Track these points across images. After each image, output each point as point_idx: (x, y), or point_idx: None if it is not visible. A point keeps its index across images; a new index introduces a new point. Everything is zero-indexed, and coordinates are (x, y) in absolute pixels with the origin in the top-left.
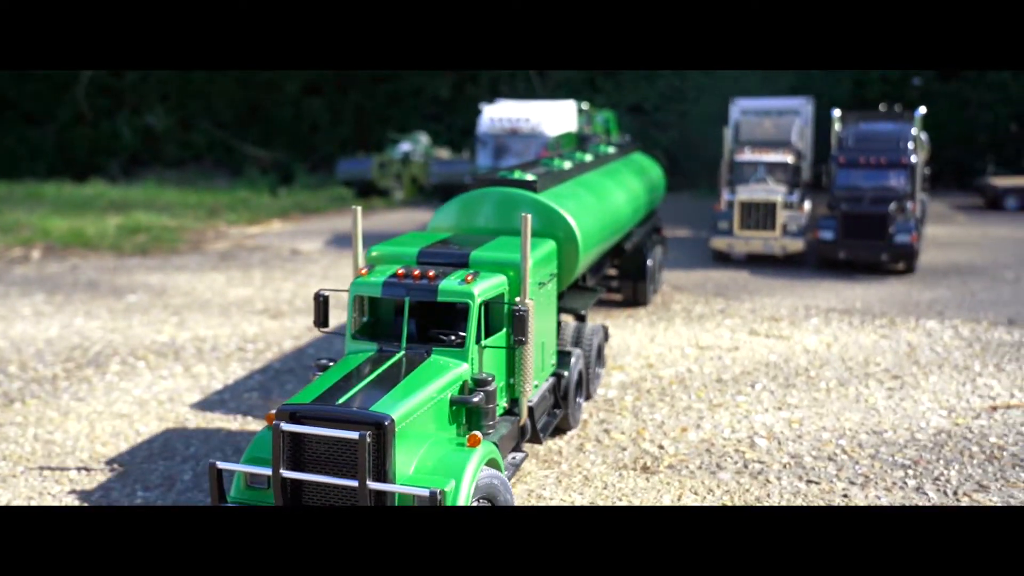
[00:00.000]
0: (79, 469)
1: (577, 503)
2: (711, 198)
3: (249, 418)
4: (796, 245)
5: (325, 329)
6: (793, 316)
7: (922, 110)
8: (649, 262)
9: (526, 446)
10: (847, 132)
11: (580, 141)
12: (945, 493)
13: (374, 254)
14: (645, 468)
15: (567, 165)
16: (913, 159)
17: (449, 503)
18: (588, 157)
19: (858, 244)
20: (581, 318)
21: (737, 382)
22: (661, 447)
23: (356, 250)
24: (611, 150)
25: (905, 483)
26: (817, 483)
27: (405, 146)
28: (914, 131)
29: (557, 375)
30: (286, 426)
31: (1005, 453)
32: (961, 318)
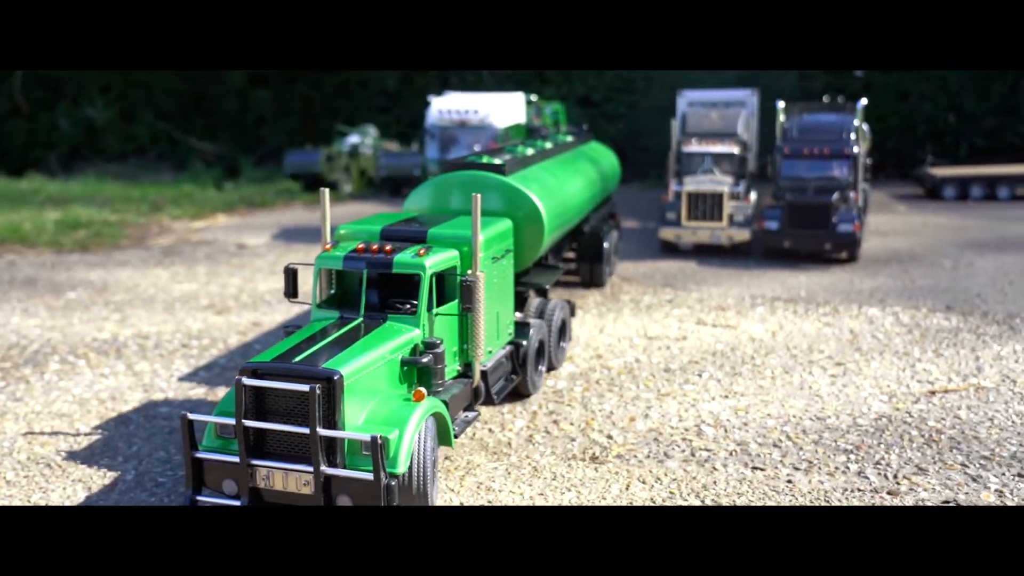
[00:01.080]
0: (16, 471)
1: (527, 495)
2: (659, 189)
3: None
4: (742, 235)
5: (294, 299)
6: (739, 305)
7: (863, 102)
8: (605, 245)
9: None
10: (791, 123)
11: (529, 133)
12: (886, 477)
13: (341, 232)
14: (594, 458)
15: (530, 152)
16: (855, 150)
17: (391, 451)
18: (548, 145)
19: (802, 234)
20: (543, 293)
21: (685, 371)
22: (610, 437)
23: (325, 228)
24: (569, 138)
25: (847, 467)
26: (763, 469)
27: (353, 138)
28: (856, 122)
29: (516, 344)
30: (247, 380)
31: (943, 436)
32: (901, 305)
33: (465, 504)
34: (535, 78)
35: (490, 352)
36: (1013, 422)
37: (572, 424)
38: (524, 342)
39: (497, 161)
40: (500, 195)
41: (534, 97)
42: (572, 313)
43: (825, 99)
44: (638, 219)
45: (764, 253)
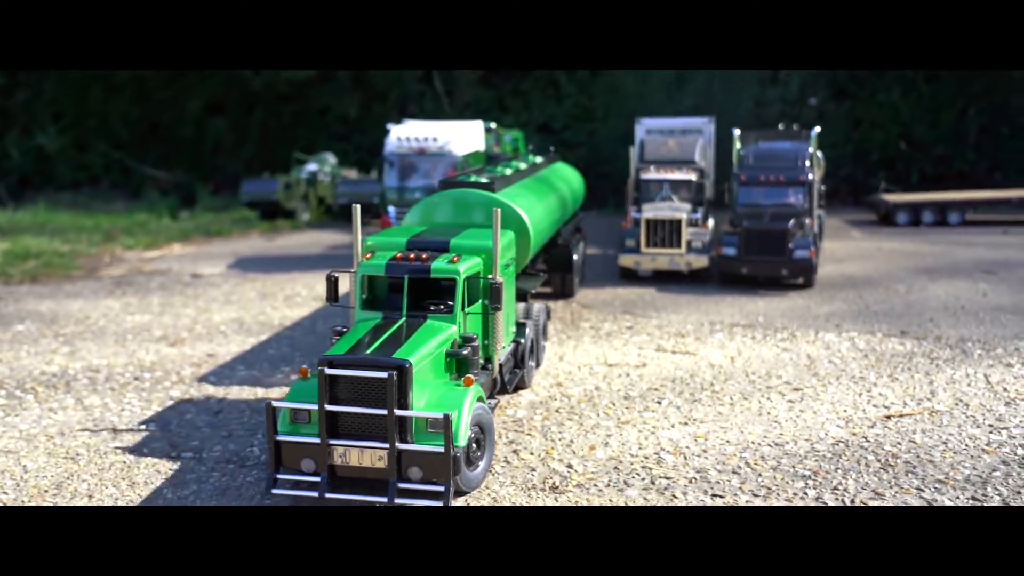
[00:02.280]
0: None
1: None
2: (619, 216)
3: (145, 450)
4: (701, 261)
5: (335, 304)
6: (698, 331)
7: (817, 129)
8: (575, 257)
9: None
10: (747, 151)
11: (488, 160)
12: (843, 502)
13: (370, 243)
14: (554, 488)
15: (508, 172)
16: (810, 177)
17: (454, 425)
18: (523, 165)
19: (759, 260)
20: (525, 298)
21: (644, 398)
22: (570, 466)
23: (357, 242)
24: (539, 159)
25: (805, 493)
26: (722, 496)
27: (311, 166)
28: (810, 150)
29: (516, 342)
30: (329, 370)
31: (899, 460)
32: (857, 330)
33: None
34: (494, 106)
35: (504, 347)
36: (967, 445)
37: (532, 453)
38: (523, 340)
39: (485, 180)
40: (489, 211)
41: (493, 125)
42: (548, 317)
43: (780, 127)
44: (598, 246)
45: (722, 279)
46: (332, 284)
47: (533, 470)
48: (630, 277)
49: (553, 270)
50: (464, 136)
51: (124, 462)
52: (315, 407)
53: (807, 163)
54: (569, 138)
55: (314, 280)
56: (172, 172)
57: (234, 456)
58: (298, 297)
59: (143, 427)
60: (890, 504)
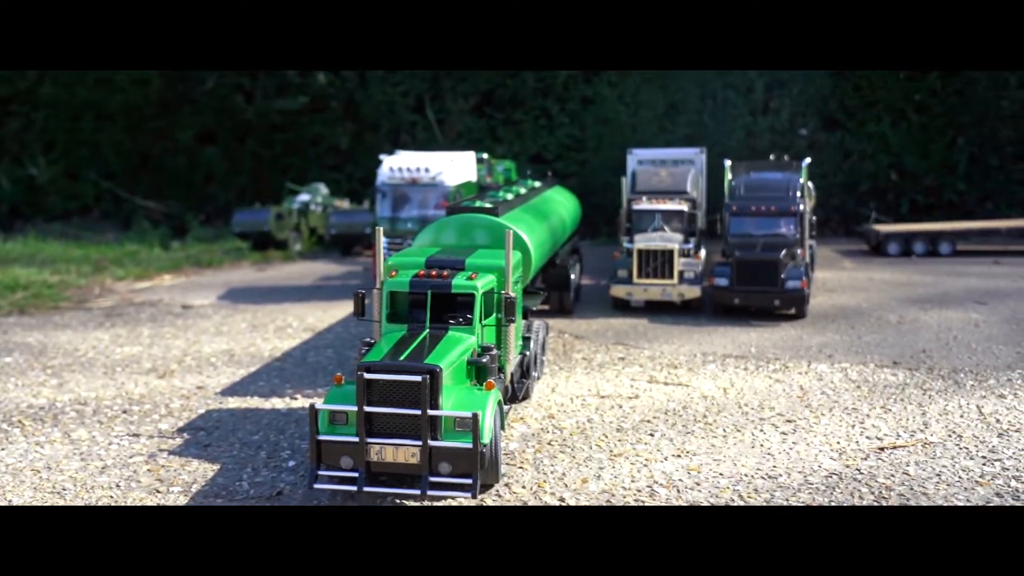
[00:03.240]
0: None
1: None
2: (611, 246)
3: (132, 484)
4: (693, 292)
5: (362, 318)
6: (691, 362)
7: (808, 160)
8: (572, 276)
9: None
10: (738, 181)
11: (480, 191)
12: None
13: (392, 262)
14: None
15: (510, 196)
16: (801, 207)
17: (480, 424)
18: (523, 190)
19: (751, 290)
20: (525, 315)
21: (637, 430)
22: (562, 500)
23: (377, 262)
24: (537, 184)
25: None
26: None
27: (303, 196)
28: (801, 180)
29: (522, 354)
30: (368, 375)
31: (892, 493)
32: (849, 361)
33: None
34: (486, 136)
35: (513, 358)
36: (960, 478)
37: (524, 487)
38: (527, 352)
39: (489, 205)
40: (493, 233)
41: (485, 155)
42: (547, 332)
43: (771, 157)
44: (590, 276)
45: (714, 310)
46: (360, 300)
47: (525, 504)
48: (622, 308)
49: (552, 289)
50: (456, 166)
51: (111, 497)
52: (353, 409)
53: (798, 193)
54: (561, 168)
55: (305, 311)
56: (163, 202)
57: (222, 490)
58: (289, 328)
59: (131, 460)
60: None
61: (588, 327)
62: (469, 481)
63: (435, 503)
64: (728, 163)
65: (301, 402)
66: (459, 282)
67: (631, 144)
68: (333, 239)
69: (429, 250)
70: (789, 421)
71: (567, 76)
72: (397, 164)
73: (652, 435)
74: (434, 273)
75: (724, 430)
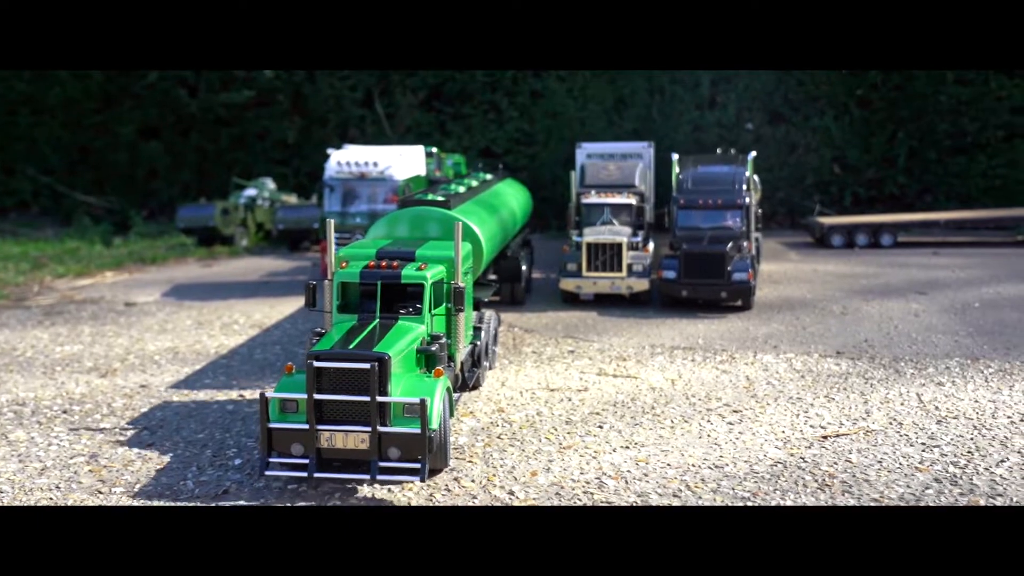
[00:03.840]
0: None
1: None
2: (560, 240)
3: (73, 485)
4: (642, 285)
5: (313, 308)
6: (640, 355)
7: (753, 154)
8: (523, 267)
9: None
10: (686, 175)
11: (430, 184)
12: None
13: (342, 254)
14: None
15: (461, 189)
16: (747, 200)
17: (429, 410)
18: (474, 183)
19: (699, 283)
20: (477, 307)
21: (586, 423)
22: (511, 493)
23: (330, 252)
24: (489, 176)
25: None
26: None
27: (250, 191)
28: (747, 174)
29: (473, 344)
30: (317, 363)
31: (836, 480)
32: (794, 351)
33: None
34: (435, 130)
35: (464, 347)
36: (900, 464)
37: (473, 481)
38: (479, 342)
39: (440, 198)
40: (444, 225)
41: (434, 149)
42: (499, 323)
43: (718, 151)
44: (539, 270)
45: (662, 302)
46: (311, 291)
47: (475, 497)
48: (572, 301)
49: (503, 280)
50: (405, 161)
51: (50, 499)
52: (303, 396)
53: (744, 187)
54: (511, 162)
55: (252, 307)
56: (105, 198)
57: (167, 490)
58: (235, 325)
59: (72, 461)
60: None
61: (538, 320)
62: (418, 466)
63: (383, 499)
64: (676, 157)
65: (248, 399)
66: (408, 272)
67: (580, 138)
68: (280, 234)
69: (380, 242)
70: (735, 411)
71: (516, 70)
72: (345, 158)
73: (601, 427)
74: (384, 264)
75: (672, 421)
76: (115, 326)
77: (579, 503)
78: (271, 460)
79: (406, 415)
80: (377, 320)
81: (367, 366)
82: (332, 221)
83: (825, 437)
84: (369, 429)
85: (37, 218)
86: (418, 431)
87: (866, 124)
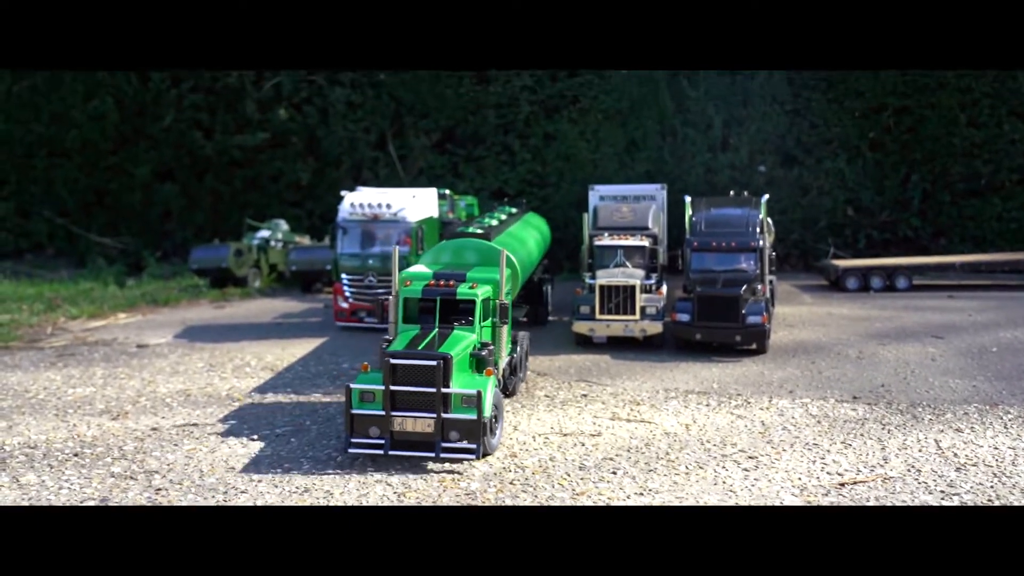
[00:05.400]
0: None
1: None
2: (573, 282)
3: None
4: (655, 328)
5: (383, 323)
6: (653, 399)
7: (766, 196)
8: (546, 289)
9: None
10: (699, 217)
11: (443, 227)
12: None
13: (405, 275)
14: None
15: (494, 222)
16: (761, 243)
17: (483, 400)
18: (503, 216)
19: (713, 326)
20: (513, 325)
21: (600, 468)
22: None
23: (395, 273)
24: (515, 210)
25: None
26: None
27: (263, 233)
28: (760, 216)
29: (512, 355)
30: (393, 360)
31: None
32: (810, 396)
33: None
34: (448, 172)
35: (504, 356)
36: None
37: None
38: (515, 355)
39: (480, 231)
40: (482, 254)
41: (447, 191)
42: (529, 342)
43: (731, 194)
44: (552, 312)
45: (676, 345)
46: (381, 307)
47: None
48: (585, 344)
49: (528, 302)
50: (418, 203)
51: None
52: (380, 388)
53: (758, 229)
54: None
55: (264, 349)
56: (119, 239)
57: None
58: (247, 367)
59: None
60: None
61: (551, 364)
62: (474, 446)
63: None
64: (688, 199)
65: (258, 444)
66: (463, 290)
67: (592, 180)
68: (293, 275)
69: (433, 267)
70: (751, 457)
71: (528, 112)
72: (359, 200)
73: (615, 473)
74: (442, 283)
75: (686, 467)
76: (127, 368)
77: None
78: (353, 440)
79: (464, 404)
80: (436, 329)
81: (435, 363)
82: (397, 248)
83: (843, 484)
84: (434, 415)
85: (52, 259)
86: (475, 417)
87: (879, 167)
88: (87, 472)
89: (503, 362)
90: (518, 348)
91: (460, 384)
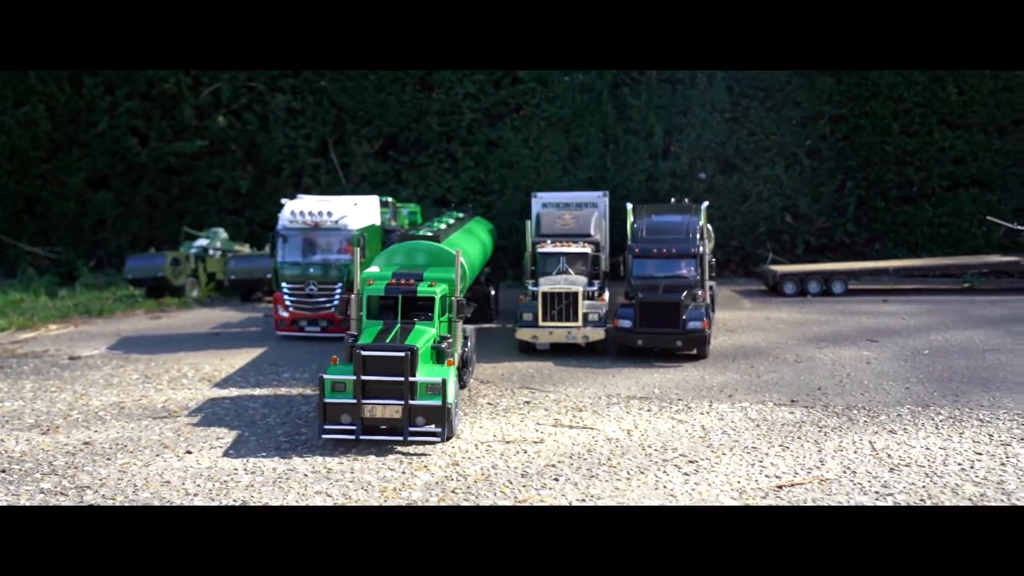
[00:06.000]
0: None
1: None
2: (516, 289)
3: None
4: (597, 334)
5: (345, 317)
6: (596, 405)
7: (707, 203)
8: (492, 291)
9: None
10: (640, 224)
11: (385, 234)
12: None
13: (365, 275)
14: None
15: (443, 226)
16: (701, 249)
17: (446, 388)
18: (451, 220)
19: (654, 332)
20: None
21: (542, 475)
22: None
23: (356, 273)
24: (461, 215)
25: None
26: None
27: (201, 242)
28: (701, 223)
29: (463, 348)
30: (364, 352)
31: None
32: (749, 400)
33: None
34: (391, 179)
35: (458, 349)
36: None
37: None
38: (466, 348)
39: (430, 234)
40: (432, 255)
41: (390, 199)
42: (476, 336)
43: (672, 201)
44: (495, 319)
45: (618, 351)
46: (344, 304)
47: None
48: (528, 351)
49: (474, 301)
50: (360, 211)
51: None
52: (351, 378)
53: (698, 236)
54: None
55: (202, 360)
56: (51, 248)
57: None
58: (184, 379)
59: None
60: None
61: (493, 371)
62: (439, 430)
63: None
64: (630, 206)
65: (195, 456)
66: (423, 288)
67: (535, 187)
68: (232, 284)
69: (389, 268)
70: (691, 462)
71: (471, 120)
72: (299, 208)
73: (557, 480)
74: (402, 282)
75: (628, 472)
76: (58, 380)
77: None
78: (326, 427)
79: (429, 392)
80: (399, 325)
81: (403, 354)
82: (358, 251)
83: (780, 487)
84: (402, 402)
85: None
86: (439, 403)
87: (815, 174)
88: (15, 488)
89: (457, 355)
90: (468, 341)
91: (425, 374)
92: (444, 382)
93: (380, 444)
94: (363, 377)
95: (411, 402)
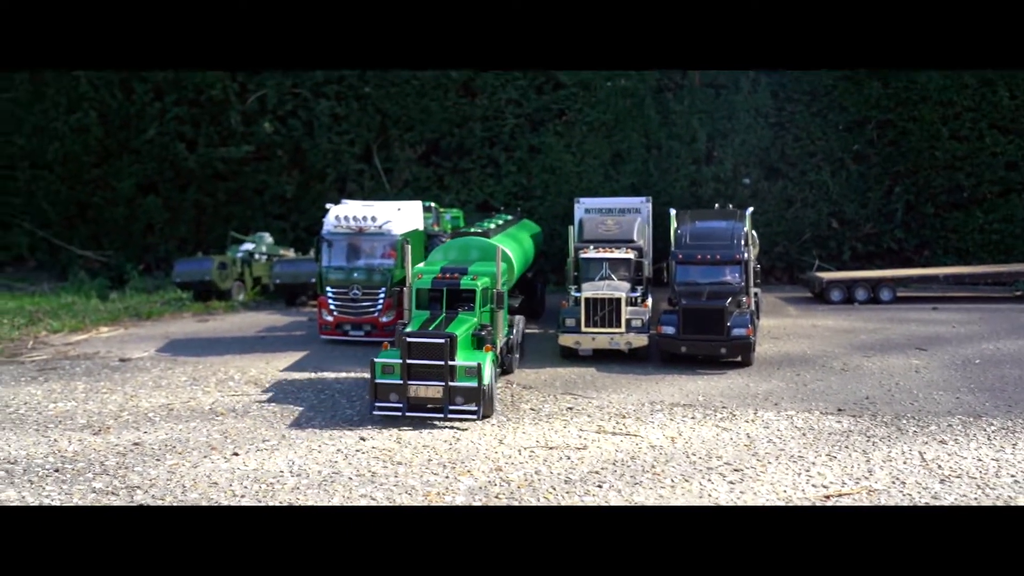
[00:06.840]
0: None
1: None
2: (559, 294)
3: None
4: (640, 340)
5: (400, 309)
6: (639, 412)
7: (751, 209)
8: (539, 286)
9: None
10: (683, 230)
11: (428, 239)
12: None
13: (416, 270)
14: None
15: (493, 226)
16: (746, 255)
17: (482, 371)
18: (500, 221)
19: (698, 338)
20: (510, 311)
21: (585, 482)
22: None
23: (408, 267)
24: (510, 217)
25: None
26: None
27: (247, 246)
28: (745, 229)
29: (508, 337)
30: (409, 339)
31: None
32: (795, 408)
33: None
34: (434, 184)
35: (501, 338)
36: None
37: None
38: (512, 336)
39: (481, 231)
40: (484, 250)
41: (432, 204)
42: (524, 325)
43: (716, 206)
44: (538, 325)
45: (662, 358)
46: (396, 297)
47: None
48: (570, 356)
49: (523, 295)
50: (403, 216)
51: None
52: (399, 361)
53: (742, 242)
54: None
55: (248, 363)
56: (102, 252)
57: None
58: (231, 381)
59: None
60: None
61: (536, 377)
62: (476, 408)
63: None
64: (673, 212)
65: (242, 458)
66: (466, 281)
67: (577, 193)
68: (277, 289)
69: (440, 262)
70: (736, 470)
71: (514, 125)
72: (344, 213)
73: (600, 487)
74: (448, 276)
75: (672, 480)
76: (109, 382)
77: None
78: (377, 404)
79: (467, 374)
80: (443, 314)
81: (443, 341)
82: (408, 246)
83: (828, 496)
84: (443, 383)
85: (33, 272)
86: (475, 384)
87: (862, 179)
88: (68, 488)
89: (500, 342)
90: (514, 331)
91: (463, 358)
92: (480, 366)
93: (426, 444)
94: (409, 361)
95: (451, 383)
